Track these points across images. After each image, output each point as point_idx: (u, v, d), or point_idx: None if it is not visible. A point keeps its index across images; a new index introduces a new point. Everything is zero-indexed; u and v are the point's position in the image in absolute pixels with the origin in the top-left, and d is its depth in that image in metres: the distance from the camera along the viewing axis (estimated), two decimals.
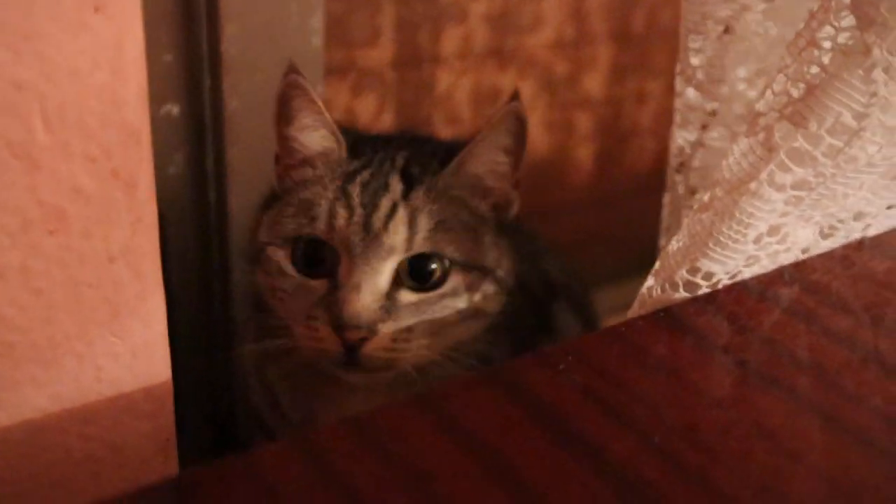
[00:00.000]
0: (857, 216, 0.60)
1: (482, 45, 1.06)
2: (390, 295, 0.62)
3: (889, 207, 0.61)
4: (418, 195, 0.64)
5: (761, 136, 0.51)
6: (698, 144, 0.72)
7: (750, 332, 0.50)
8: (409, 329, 0.62)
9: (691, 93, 0.71)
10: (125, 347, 0.50)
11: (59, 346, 0.47)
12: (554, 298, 0.83)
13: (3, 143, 0.42)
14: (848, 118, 0.49)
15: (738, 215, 0.52)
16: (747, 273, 0.56)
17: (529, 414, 0.41)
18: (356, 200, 0.63)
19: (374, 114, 1.02)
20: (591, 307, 0.90)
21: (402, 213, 0.63)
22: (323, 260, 0.64)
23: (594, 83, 1.18)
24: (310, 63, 0.84)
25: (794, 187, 0.52)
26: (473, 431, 0.39)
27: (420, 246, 0.63)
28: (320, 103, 0.66)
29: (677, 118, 0.73)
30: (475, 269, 0.65)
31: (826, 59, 0.49)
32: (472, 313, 0.65)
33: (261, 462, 0.36)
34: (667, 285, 0.55)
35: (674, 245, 0.56)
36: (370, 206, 0.63)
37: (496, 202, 0.68)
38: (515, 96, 0.65)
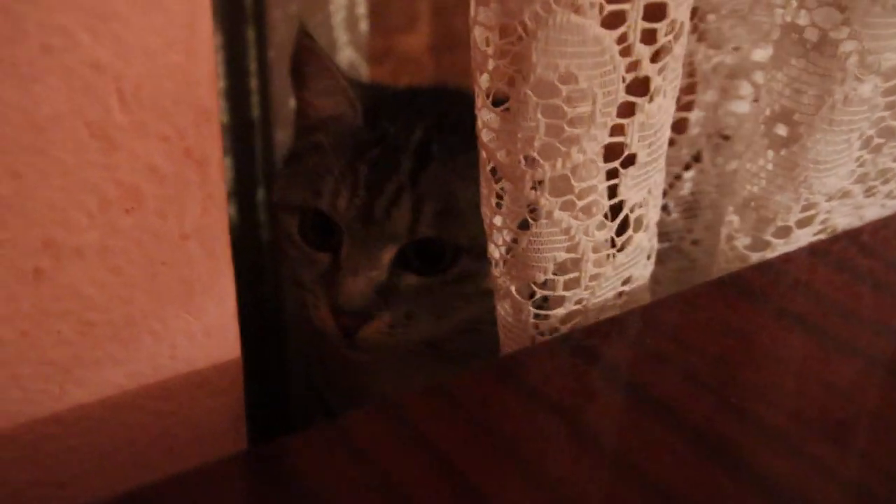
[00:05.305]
0: None
1: None
2: (391, 280, 0.59)
3: None
4: (430, 175, 0.60)
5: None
6: None
7: (808, 292, 0.50)
8: (408, 314, 0.59)
9: None
10: (199, 326, 0.51)
11: (136, 325, 0.48)
12: None
13: (82, 123, 0.43)
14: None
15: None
16: None
17: (605, 378, 0.41)
18: (361, 182, 0.60)
19: None
20: None
21: (406, 199, 0.59)
22: (331, 232, 0.61)
23: None
24: (359, 50, 0.85)
25: None
26: (551, 395, 0.40)
27: (425, 231, 0.59)
28: (335, 67, 0.63)
29: None
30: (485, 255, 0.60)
31: None
32: (483, 294, 0.60)
33: (349, 427, 0.37)
34: None
35: None
36: (375, 190, 0.59)
37: None
38: None
